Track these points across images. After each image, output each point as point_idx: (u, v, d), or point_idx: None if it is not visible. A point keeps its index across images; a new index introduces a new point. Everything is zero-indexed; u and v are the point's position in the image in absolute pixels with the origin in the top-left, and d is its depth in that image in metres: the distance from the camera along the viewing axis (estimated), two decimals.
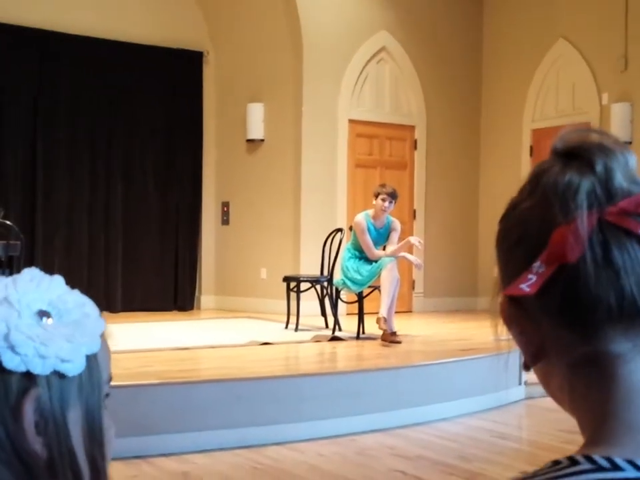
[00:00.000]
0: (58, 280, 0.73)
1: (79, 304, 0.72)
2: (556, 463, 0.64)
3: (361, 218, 6.26)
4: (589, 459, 0.63)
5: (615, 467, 0.61)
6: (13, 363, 0.67)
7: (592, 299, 0.64)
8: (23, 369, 0.68)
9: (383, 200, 6.17)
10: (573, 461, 0.63)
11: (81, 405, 0.70)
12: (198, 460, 4.07)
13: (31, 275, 0.72)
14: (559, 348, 0.67)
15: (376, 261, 6.18)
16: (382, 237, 6.30)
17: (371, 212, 6.31)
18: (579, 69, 8.37)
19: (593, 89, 8.25)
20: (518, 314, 0.71)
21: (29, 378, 0.68)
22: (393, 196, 6.19)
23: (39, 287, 0.71)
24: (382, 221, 6.28)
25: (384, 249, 6.34)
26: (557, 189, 0.67)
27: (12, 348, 0.67)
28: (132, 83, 8.60)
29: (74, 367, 0.69)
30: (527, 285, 0.66)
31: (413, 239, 6.36)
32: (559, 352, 0.67)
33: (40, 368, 0.68)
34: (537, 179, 0.71)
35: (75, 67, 8.27)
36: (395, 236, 6.30)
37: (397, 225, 6.35)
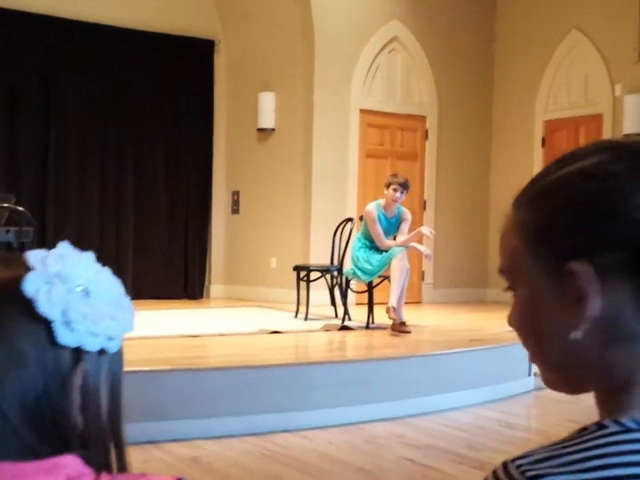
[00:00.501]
0: (91, 257, 0.74)
1: (113, 282, 0.74)
2: (583, 429, 0.66)
3: (372, 207, 6.26)
4: (616, 422, 0.65)
5: None
6: (67, 339, 0.69)
7: None
8: (75, 344, 0.69)
9: (395, 190, 6.16)
10: (600, 425, 0.65)
11: (109, 381, 0.72)
12: (208, 446, 4.09)
13: (70, 250, 0.73)
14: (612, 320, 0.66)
15: (386, 251, 6.18)
16: (392, 226, 6.30)
17: (382, 202, 6.30)
18: (592, 60, 8.32)
19: (606, 80, 8.20)
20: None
21: (77, 353, 0.70)
22: (404, 186, 6.18)
23: (80, 264, 0.72)
24: (393, 211, 6.28)
25: (394, 239, 6.33)
26: None
27: (68, 324, 0.69)
28: (143, 72, 8.60)
29: (116, 344, 0.72)
30: None
31: (424, 229, 6.36)
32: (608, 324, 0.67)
33: (91, 345, 0.70)
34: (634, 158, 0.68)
35: (85, 56, 8.28)
36: (405, 226, 6.30)
37: (407, 215, 6.34)
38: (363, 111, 8.54)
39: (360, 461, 3.92)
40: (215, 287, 9.20)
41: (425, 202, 9.07)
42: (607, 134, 8.19)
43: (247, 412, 4.41)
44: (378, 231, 6.17)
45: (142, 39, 8.57)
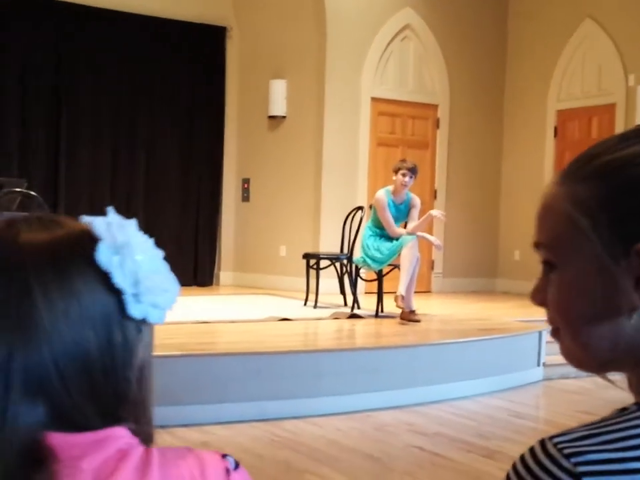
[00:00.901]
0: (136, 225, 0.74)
1: (159, 252, 0.74)
2: (623, 409, 0.66)
3: (382, 194, 6.25)
4: None
5: None
6: (135, 311, 0.70)
7: None
8: (140, 317, 0.70)
9: (404, 175, 6.15)
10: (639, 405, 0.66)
11: (146, 352, 0.74)
12: (218, 431, 4.11)
13: (122, 219, 0.73)
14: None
15: (397, 239, 6.18)
16: (402, 213, 6.29)
17: (390, 188, 6.29)
18: (605, 50, 8.27)
19: (619, 70, 8.15)
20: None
21: (139, 325, 0.71)
22: (413, 171, 6.17)
23: (137, 233, 0.72)
24: (402, 197, 6.26)
25: (405, 226, 6.33)
26: None
27: (136, 296, 0.69)
28: (155, 58, 8.60)
29: (165, 316, 0.73)
30: None
31: (435, 212, 6.33)
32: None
33: (153, 317, 0.71)
34: None
35: (97, 41, 8.28)
36: (415, 212, 6.29)
37: (416, 201, 6.33)
38: (374, 99, 8.52)
39: (369, 447, 3.94)
40: (225, 275, 9.22)
41: (435, 191, 9.05)
42: (619, 124, 8.14)
43: (257, 398, 4.43)
44: (388, 218, 6.16)
45: (154, 25, 8.56)
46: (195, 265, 8.96)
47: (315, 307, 6.81)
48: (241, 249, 9.19)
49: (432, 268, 9.04)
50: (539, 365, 5.77)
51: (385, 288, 6.50)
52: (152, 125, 8.67)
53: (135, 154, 8.61)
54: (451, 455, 3.83)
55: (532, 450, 0.65)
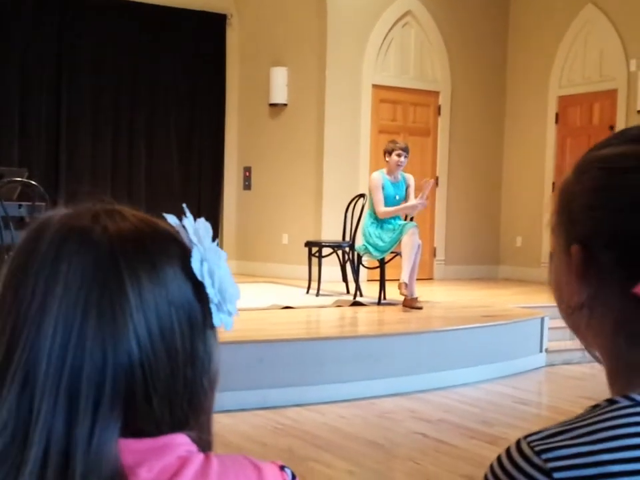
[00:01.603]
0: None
1: (224, 254, 0.74)
2: (595, 406, 0.68)
3: (377, 174, 6.39)
4: (626, 397, 0.67)
5: None
6: (217, 320, 0.69)
7: None
8: (219, 324, 0.70)
9: (399, 155, 6.27)
10: (611, 401, 0.68)
11: (218, 360, 0.74)
12: (221, 419, 4.10)
13: (199, 220, 0.72)
14: (619, 309, 0.69)
15: (398, 227, 6.18)
16: (399, 189, 6.36)
17: (385, 170, 6.38)
18: (607, 35, 8.22)
19: (621, 55, 8.11)
20: (587, 264, 0.71)
21: (215, 332, 0.70)
22: (406, 150, 6.32)
23: (211, 236, 0.72)
24: (397, 176, 6.37)
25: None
26: None
27: (219, 305, 0.69)
28: (155, 46, 8.57)
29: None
30: None
31: (415, 201, 6.25)
32: (616, 310, 0.70)
33: (229, 324, 0.70)
34: None
35: (97, 30, 8.25)
36: (410, 192, 6.39)
37: (411, 179, 6.44)
38: (375, 86, 8.48)
39: (372, 434, 3.94)
40: (228, 263, 9.21)
41: (437, 178, 9.02)
42: (621, 110, 8.11)
43: (260, 386, 4.43)
44: (379, 197, 6.23)
45: (154, 13, 8.52)
46: None
47: (318, 294, 6.81)
48: (243, 237, 9.18)
49: (434, 255, 9.03)
50: (541, 351, 5.77)
51: (387, 275, 6.49)
52: (152, 114, 8.65)
53: (135, 143, 8.59)
54: (455, 441, 3.83)
55: (508, 450, 0.67)
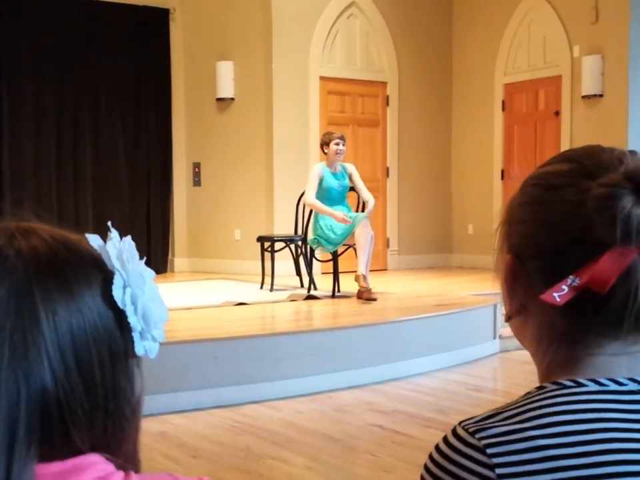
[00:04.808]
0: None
1: (152, 273, 0.71)
2: (527, 393, 0.76)
3: (317, 166, 6.44)
4: (554, 382, 0.74)
5: (579, 385, 0.73)
6: (140, 348, 0.67)
7: (608, 320, 0.71)
8: (142, 353, 0.67)
9: (337, 144, 6.31)
10: (540, 387, 0.75)
11: (141, 386, 0.73)
12: (175, 420, 4.06)
13: (127, 241, 0.70)
14: (542, 315, 0.76)
15: (349, 219, 6.18)
16: (341, 179, 6.38)
17: (325, 163, 6.42)
18: (550, 22, 8.32)
19: (564, 42, 8.21)
20: (518, 273, 0.77)
21: (139, 360, 0.69)
22: (343, 139, 6.38)
23: (139, 259, 0.70)
24: (336, 167, 6.40)
25: (358, 198, 6.46)
26: (629, 221, 0.68)
27: (143, 333, 0.66)
28: (98, 42, 8.40)
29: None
30: (559, 295, 0.71)
31: (340, 214, 6.21)
32: (540, 316, 0.76)
33: (153, 351, 0.68)
34: (606, 199, 0.70)
35: (38, 24, 8.05)
36: (356, 179, 6.42)
37: (351, 167, 6.50)
38: (323, 78, 8.46)
39: (329, 428, 3.93)
40: (179, 261, 9.12)
41: (387, 169, 9.05)
42: (566, 95, 8.22)
43: (215, 385, 4.39)
44: (311, 185, 6.26)
45: (95, 8, 8.35)
46: (148, 253, 8.81)
47: (272, 290, 6.77)
48: (194, 234, 9.08)
49: (387, 246, 9.06)
50: (495, 338, 5.83)
51: (341, 268, 6.49)
52: (97, 113, 8.49)
53: (80, 142, 8.42)
54: (411, 431, 3.84)
55: (445, 436, 0.74)
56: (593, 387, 0.72)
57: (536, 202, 0.75)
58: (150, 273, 0.67)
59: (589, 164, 0.73)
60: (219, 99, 8.59)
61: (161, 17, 8.82)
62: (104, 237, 0.69)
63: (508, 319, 0.81)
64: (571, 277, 0.70)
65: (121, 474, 0.63)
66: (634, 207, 0.68)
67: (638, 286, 0.69)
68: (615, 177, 0.70)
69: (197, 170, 9.03)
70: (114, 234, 0.68)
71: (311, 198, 6.27)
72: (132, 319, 0.64)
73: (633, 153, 0.75)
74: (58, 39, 8.15)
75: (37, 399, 0.59)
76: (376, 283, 6.40)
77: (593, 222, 0.69)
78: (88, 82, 8.39)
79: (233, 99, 8.54)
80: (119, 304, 0.64)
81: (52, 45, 8.14)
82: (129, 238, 0.68)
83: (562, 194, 0.72)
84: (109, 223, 0.69)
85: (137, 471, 0.67)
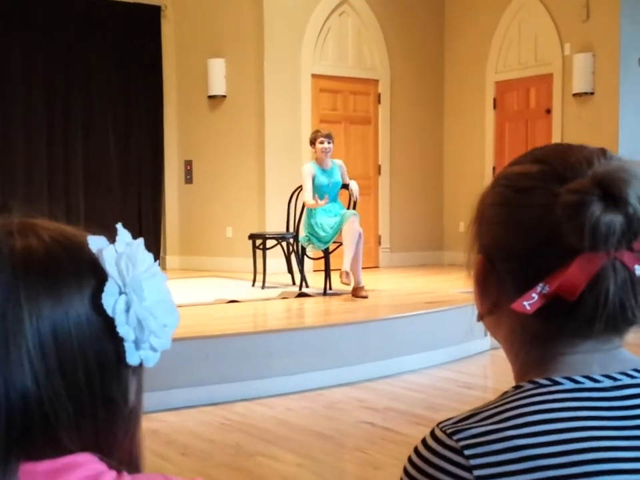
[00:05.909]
0: (142, 245, 0.71)
1: (164, 277, 0.72)
2: (505, 393, 0.76)
3: (308, 165, 6.46)
4: (531, 381, 0.75)
5: (555, 383, 0.73)
6: (134, 359, 0.66)
7: (579, 324, 0.72)
8: (137, 363, 0.67)
9: (322, 142, 6.34)
10: (517, 386, 0.76)
11: (137, 396, 0.72)
12: (167, 418, 4.07)
13: (133, 244, 0.69)
14: (514, 316, 0.75)
15: (337, 216, 6.20)
16: (332, 176, 6.41)
17: (314, 161, 6.45)
18: (541, 19, 8.34)
19: (555, 40, 8.23)
20: (489, 273, 0.78)
21: (135, 370, 0.68)
22: (330, 137, 6.42)
23: (144, 263, 0.69)
24: (327, 163, 6.43)
25: (349, 194, 6.50)
26: (597, 228, 0.68)
27: (137, 343, 0.66)
28: (89, 39, 8.37)
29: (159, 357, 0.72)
30: (529, 303, 0.71)
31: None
32: (512, 317, 0.76)
33: (151, 361, 0.68)
34: (575, 206, 0.69)
35: (29, 21, 8.03)
36: (345, 175, 6.51)
37: (341, 163, 6.57)
38: (314, 76, 8.46)
39: (320, 426, 3.94)
40: (171, 258, 9.11)
41: (379, 166, 9.06)
42: (557, 93, 8.24)
43: (206, 382, 4.39)
44: (307, 186, 6.29)
45: (87, 6, 8.33)
46: None
47: (263, 287, 6.77)
48: (186, 231, 9.08)
49: (379, 243, 9.07)
50: (485, 335, 5.84)
51: (332, 265, 6.50)
52: (88, 111, 8.46)
53: (71, 140, 8.39)
54: (401, 429, 3.85)
55: (423, 438, 0.73)
56: (568, 385, 0.73)
57: (506, 204, 0.75)
58: (159, 278, 0.66)
59: (558, 166, 0.73)
60: (210, 97, 8.58)
61: (153, 14, 8.81)
62: (112, 235, 0.67)
63: (480, 318, 0.81)
64: (540, 284, 0.70)
65: (113, 473, 0.63)
66: (602, 214, 0.68)
67: (608, 291, 0.69)
68: (583, 181, 0.70)
69: (188, 167, 9.02)
70: (121, 236, 0.66)
71: (309, 199, 6.26)
72: (122, 329, 0.63)
73: (603, 151, 0.74)
74: (48, 36, 8.12)
75: (17, 400, 0.58)
76: (367, 281, 6.41)
77: (562, 227, 0.69)
78: (79, 79, 8.37)
79: (224, 96, 8.53)
80: (109, 312, 0.62)
81: (42, 41, 8.11)
82: (139, 241, 0.66)
83: (531, 197, 0.72)
84: (119, 225, 0.67)
85: (137, 470, 0.67)
